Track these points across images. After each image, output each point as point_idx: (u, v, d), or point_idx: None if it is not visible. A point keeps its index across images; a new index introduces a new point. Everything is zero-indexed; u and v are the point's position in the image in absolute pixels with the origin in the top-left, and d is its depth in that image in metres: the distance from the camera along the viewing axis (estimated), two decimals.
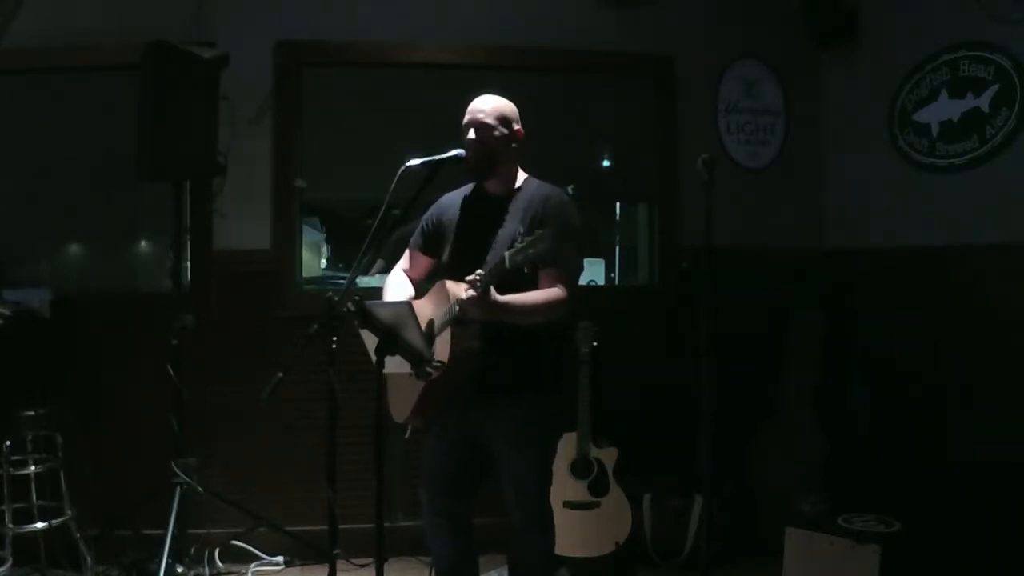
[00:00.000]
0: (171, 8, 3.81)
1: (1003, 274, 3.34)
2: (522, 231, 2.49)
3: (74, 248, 4.11)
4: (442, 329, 2.44)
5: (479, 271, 2.28)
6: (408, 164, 2.49)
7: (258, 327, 3.81)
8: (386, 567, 2.38)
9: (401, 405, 2.59)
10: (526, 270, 2.31)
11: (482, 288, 2.25)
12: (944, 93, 3.64)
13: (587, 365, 3.56)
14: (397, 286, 2.74)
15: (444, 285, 2.47)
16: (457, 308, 2.33)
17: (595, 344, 3.58)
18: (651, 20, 4.21)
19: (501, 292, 2.34)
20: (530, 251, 2.20)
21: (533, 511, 2.62)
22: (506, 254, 2.24)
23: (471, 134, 2.56)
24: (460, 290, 2.33)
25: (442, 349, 2.42)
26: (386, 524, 2.33)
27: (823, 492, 3.65)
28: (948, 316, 3.57)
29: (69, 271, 4.03)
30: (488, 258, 2.48)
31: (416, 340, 2.29)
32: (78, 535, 3.38)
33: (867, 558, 3.05)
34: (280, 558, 3.76)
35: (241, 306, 3.85)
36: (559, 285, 2.47)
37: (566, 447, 3.58)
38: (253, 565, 3.71)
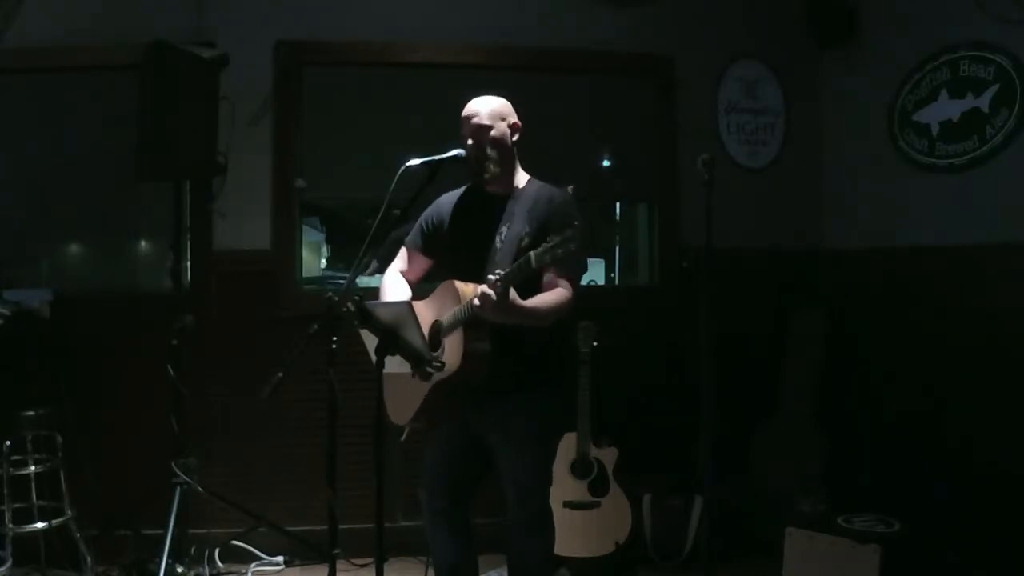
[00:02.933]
0: (171, 8, 3.81)
1: (1003, 274, 3.34)
2: (529, 231, 2.49)
3: (74, 248, 4.11)
4: (451, 330, 2.43)
5: (498, 271, 2.27)
6: (408, 164, 2.49)
7: (258, 327, 3.81)
8: (386, 567, 2.38)
9: (400, 407, 2.58)
10: (544, 270, 2.31)
11: (502, 288, 2.24)
12: (944, 93, 3.64)
13: (587, 365, 3.56)
14: (393, 287, 2.73)
15: (452, 285, 2.45)
16: (474, 307, 2.31)
17: (595, 344, 3.58)
18: (651, 20, 4.21)
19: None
20: (559, 251, 2.19)
21: (533, 511, 2.61)
22: (532, 254, 2.22)
23: (471, 140, 2.56)
24: (471, 290, 2.33)
25: (452, 350, 2.41)
26: (386, 524, 2.33)
27: (823, 492, 3.65)
28: (948, 316, 3.57)
29: (69, 271, 4.03)
30: (496, 258, 2.48)
31: (416, 340, 2.29)
32: (78, 535, 3.38)
33: (867, 558, 3.06)
34: (280, 558, 3.76)
35: (241, 306, 3.85)
36: (567, 284, 2.48)
37: (566, 447, 3.58)
38: (253, 565, 3.71)
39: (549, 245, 2.20)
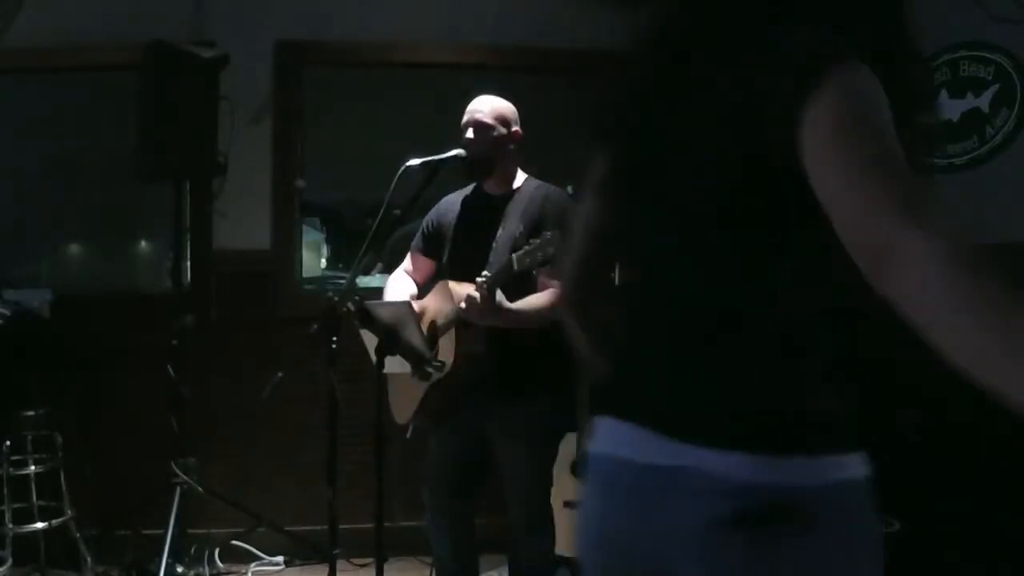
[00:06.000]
0: (171, 8, 3.81)
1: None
2: (522, 230, 2.49)
3: (74, 248, 4.12)
4: (445, 330, 2.44)
5: (484, 273, 2.27)
6: (408, 164, 2.49)
7: (258, 327, 3.81)
8: (386, 567, 2.38)
9: (402, 405, 2.59)
10: (535, 272, 2.31)
11: (488, 291, 2.25)
12: (944, 93, 3.64)
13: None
14: (398, 287, 2.74)
15: (447, 285, 2.47)
16: (461, 309, 2.32)
17: None
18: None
19: (503, 291, 2.33)
20: (539, 254, 2.20)
21: (533, 511, 2.62)
22: (514, 256, 2.23)
23: (469, 134, 2.56)
24: (463, 291, 2.33)
25: (446, 350, 2.42)
26: (386, 524, 2.34)
27: None
28: None
29: (69, 271, 4.03)
30: (491, 259, 2.48)
31: (416, 340, 2.29)
32: (78, 535, 3.38)
33: None
34: (280, 558, 3.76)
35: (241, 306, 3.85)
36: (559, 286, 2.47)
37: (566, 447, 3.56)
38: (253, 565, 3.71)
39: (530, 248, 2.21)
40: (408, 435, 2.69)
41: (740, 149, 0.95)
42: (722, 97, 0.96)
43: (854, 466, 0.98)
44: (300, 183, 3.95)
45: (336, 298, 2.39)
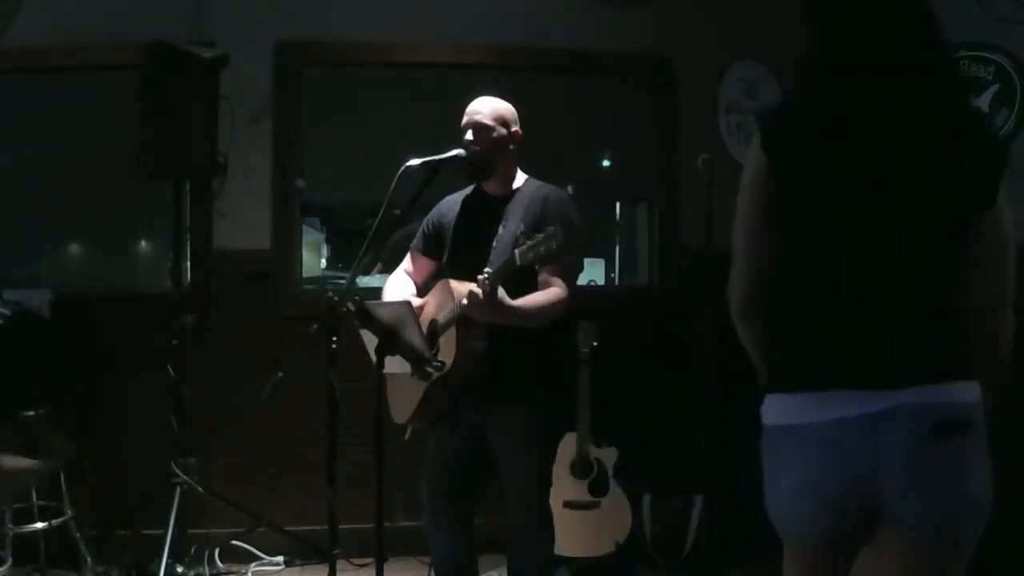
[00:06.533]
0: (170, 8, 3.81)
1: None
2: (523, 230, 2.49)
3: (74, 248, 4.12)
4: (446, 329, 2.44)
5: (487, 269, 2.28)
6: (408, 164, 2.49)
7: (258, 327, 3.81)
8: (386, 567, 2.38)
9: (402, 405, 2.59)
10: (537, 267, 2.32)
11: (490, 287, 2.25)
12: None
13: (587, 365, 3.55)
14: (398, 287, 2.74)
15: (447, 284, 2.47)
16: (463, 305, 2.32)
17: (595, 344, 3.58)
18: (651, 20, 4.21)
19: (504, 289, 2.34)
20: (541, 248, 2.20)
21: (533, 511, 2.62)
22: (516, 251, 2.24)
23: (469, 135, 2.56)
24: (465, 289, 2.34)
25: (446, 349, 2.42)
26: (386, 524, 2.34)
27: None
28: None
29: (69, 271, 4.04)
30: (492, 258, 2.49)
31: (416, 340, 2.29)
32: (78, 535, 3.38)
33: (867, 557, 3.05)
34: (280, 558, 3.76)
35: (241, 306, 3.85)
36: (561, 284, 2.48)
37: (566, 447, 3.57)
38: (253, 565, 3.71)
39: (531, 243, 2.22)
40: (406, 436, 2.69)
41: (949, 204, 1.47)
42: (934, 160, 1.47)
43: (978, 389, 1.46)
44: (300, 183, 3.95)
45: (336, 298, 2.39)
